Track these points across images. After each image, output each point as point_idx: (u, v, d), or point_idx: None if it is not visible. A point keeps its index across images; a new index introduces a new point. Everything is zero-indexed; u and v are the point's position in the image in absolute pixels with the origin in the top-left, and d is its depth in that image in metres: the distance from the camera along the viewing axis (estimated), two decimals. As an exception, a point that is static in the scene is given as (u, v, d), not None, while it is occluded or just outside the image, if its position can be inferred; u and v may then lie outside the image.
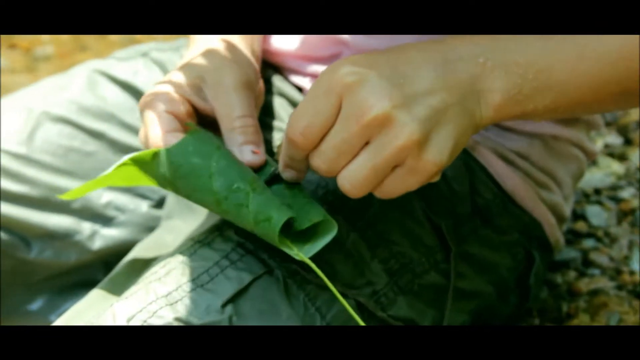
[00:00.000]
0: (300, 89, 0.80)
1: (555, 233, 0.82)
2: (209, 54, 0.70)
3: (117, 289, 0.69)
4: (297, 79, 0.80)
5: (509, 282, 0.78)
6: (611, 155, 1.19)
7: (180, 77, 0.68)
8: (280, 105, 0.79)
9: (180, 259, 0.64)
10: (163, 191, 0.86)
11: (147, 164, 0.64)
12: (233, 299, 0.61)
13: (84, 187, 0.69)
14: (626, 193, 1.10)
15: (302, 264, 0.62)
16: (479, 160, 0.76)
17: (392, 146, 0.56)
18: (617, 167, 1.16)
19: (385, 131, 0.56)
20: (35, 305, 0.85)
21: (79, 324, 0.63)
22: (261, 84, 0.73)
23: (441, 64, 0.59)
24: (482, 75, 0.59)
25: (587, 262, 0.99)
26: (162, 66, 0.89)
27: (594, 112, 0.79)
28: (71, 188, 0.80)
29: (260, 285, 0.62)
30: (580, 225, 1.05)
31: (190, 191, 0.63)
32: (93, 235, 0.84)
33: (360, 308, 0.66)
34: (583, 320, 0.91)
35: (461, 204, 0.74)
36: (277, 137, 0.76)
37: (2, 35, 1.71)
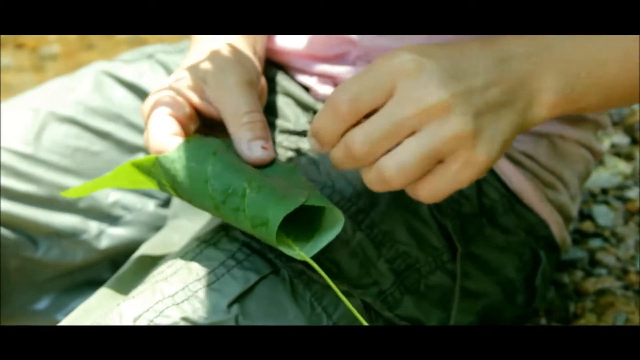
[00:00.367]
0: (307, 89, 0.80)
1: (562, 233, 0.82)
2: (210, 55, 0.69)
3: (124, 288, 0.69)
4: (303, 78, 0.80)
5: (516, 283, 0.78)
6: (618, 155, 1.18)
7: (182, 80, 0.68)
8: (285, 105, 0.79)
9: (186, 258, 0.64)
10: (169, 191, 0.86)
11: (147, 169, 0.64)
12: (239, 299, 0.61)
13: (85, 186, 0.69)
14: (633, 193, 1.10)
15: (307, 264, 0.62)
16: (486, 161, 0.76)
17: (446, 135, 0.56)
18: (623, 166, 1.16)
19: (440, 120, 0.56)
20: (42, 304, 0.85)
21: (86, 324, 0.63)
22: (263, 83, 0.73)
23: (497, 61, 0.59)
24: (536, 74, 0.60)
25: (594, 262, 0.99)
26: (167, 68, 0.89)
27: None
28: (77, 188, 0.81)
29: (266, 285, 0.62)
30: (587, 225, 1.05)
31: (191, 196, 0.63)
32: (100, 234, 0.85)
33: (366, 308, 0.66)
34: (590, 320, 0.91)
35: (468, 204, 0.74)
36: (283, 138, 0.76)
37: (9, 35, 1.71)
